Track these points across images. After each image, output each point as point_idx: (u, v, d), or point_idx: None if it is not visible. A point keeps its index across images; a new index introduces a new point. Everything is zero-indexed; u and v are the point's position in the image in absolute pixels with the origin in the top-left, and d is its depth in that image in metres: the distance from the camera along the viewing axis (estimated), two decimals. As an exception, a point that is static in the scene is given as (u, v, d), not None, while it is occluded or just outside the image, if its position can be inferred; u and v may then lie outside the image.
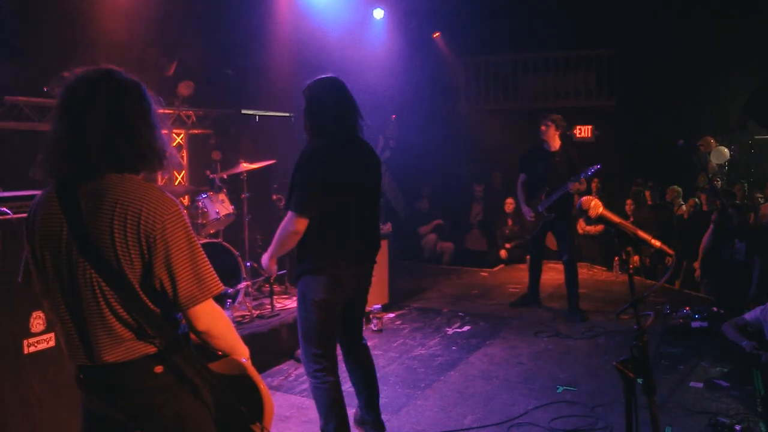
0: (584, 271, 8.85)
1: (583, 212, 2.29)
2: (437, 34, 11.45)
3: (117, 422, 2.06)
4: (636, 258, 8.38)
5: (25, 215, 3.55)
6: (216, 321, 2.07)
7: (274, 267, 3.77)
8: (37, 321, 3.73)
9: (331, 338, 3.67)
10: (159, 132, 2.05)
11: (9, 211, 3.60)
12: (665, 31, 9.54)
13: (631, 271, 2.20)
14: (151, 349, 1.98)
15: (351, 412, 3.98)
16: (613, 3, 9.77)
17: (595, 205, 2.28)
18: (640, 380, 2.19)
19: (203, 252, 2.03)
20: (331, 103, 3.57)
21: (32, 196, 3.73)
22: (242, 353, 2.20)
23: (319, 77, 3.65)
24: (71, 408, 3.71)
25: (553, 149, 6.93)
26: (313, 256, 3.53)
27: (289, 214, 3.44)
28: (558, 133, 6.91)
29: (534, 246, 7.32)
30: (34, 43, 5.49)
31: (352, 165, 3.60)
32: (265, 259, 3.73)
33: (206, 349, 2.11)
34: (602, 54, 11.07)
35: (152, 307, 1.97)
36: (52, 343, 3.78)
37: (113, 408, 2.02)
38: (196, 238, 2.03)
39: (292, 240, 3.49)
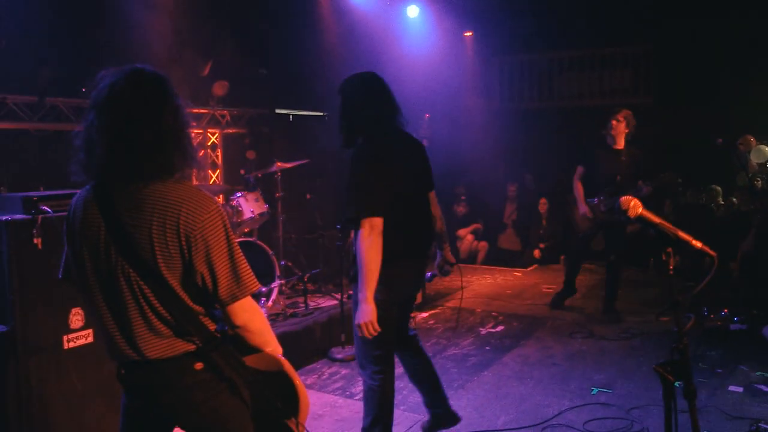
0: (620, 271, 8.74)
1: (622, 212, 2.25)
2: (469, 34, 11.38)
3: (156, 417, 2.09)
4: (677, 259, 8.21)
5: (65, 214, 3.64)
6: (253, 316, 2.10)
7: (372, 307, 3.24)
8: (76, 317, 3.80)
9: (389, 339, 3.50)
10: (187, 132, 2.06)
11: (50, 210, 3.67)
12: (704, 26, 9.36)
13: (671, 273, 2.15)
14: (191, 347, 2.01)
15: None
16: (649, -2, 9.63)
17: (634, 205, 2.24)
18: (678, 383, 2.15)
19: (241, 250, 2.05)
20: (371, 99, 3.41)
21: (72, 195, 3.82)
22: (276, 349, 2.21)
23: (355, 73, 3.53)
24: (110, 403, 3.80)
25: (618, 147, 6.64)
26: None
27: (362, 223, 3.20)
28: (627, 131, 6.64)
29: (581, 244, 7.06)
30: (72, 45, 5.57)
31: (404, 162, 3.47)
32: (364, 309, 3.23)
33: (241, 344, 2.12)
34: (639, 50, 10.89)
35: (192, 305, 1.99)
36: (90, 339, 3.85)
37: (154, 403, 2.05)
38: (233, 236, 2.04)
39: (379, 244, 3.19)
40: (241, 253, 2.05)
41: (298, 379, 2.23)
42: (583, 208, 6.76)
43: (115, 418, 3.81)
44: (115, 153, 1.92)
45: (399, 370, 5.47)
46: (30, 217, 3.61)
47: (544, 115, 11.65)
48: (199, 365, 2.01)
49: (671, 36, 9.86)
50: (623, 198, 2.28)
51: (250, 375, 2.08)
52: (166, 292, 1.95)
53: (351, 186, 3.29)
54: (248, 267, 2.06)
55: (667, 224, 2.23)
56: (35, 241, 3.60)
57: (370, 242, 3.17)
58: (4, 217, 3.56)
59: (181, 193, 1.97)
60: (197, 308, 2.01)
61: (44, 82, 5.60)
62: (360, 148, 3.37)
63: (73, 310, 3.79)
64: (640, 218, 2.24)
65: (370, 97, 3.42)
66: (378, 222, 3.19)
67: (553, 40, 11.06)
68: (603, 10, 10.00)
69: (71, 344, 3.77)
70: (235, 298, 2.02)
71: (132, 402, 2.12)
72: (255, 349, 2.15)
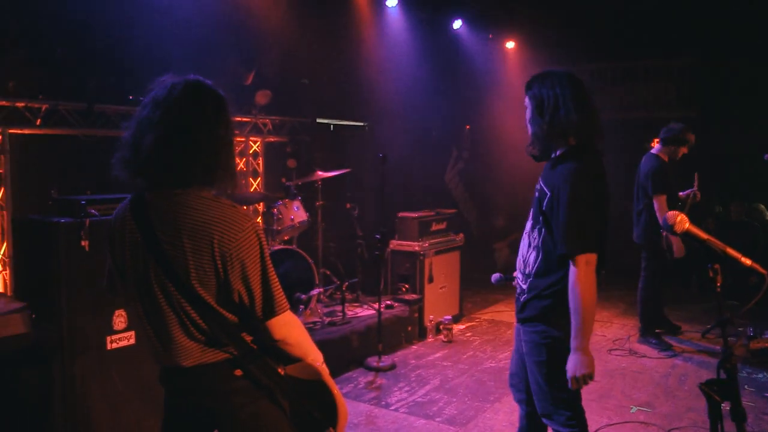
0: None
1: (669, 228, 2.21)
2: (512, 45, 11.36)
3: (197, 420, 2.12)
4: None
5: (111, 218, 3.72)
6: (291, 330, 2.11)
7: (591, 357, 2.83)
8: (120, 319, 3.87)
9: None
10: (233, 149, 2.08)
11: (97, 213, 3.76)
12: (752, 38, 9.19)
13: (718, 290, 2.11)
14: (229, 355, 2.03)
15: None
16: (694, 9, 9.47)
17: (681, 221, 2.20)
18: (724, 404, 2.10)
19: (273, 268, 2.06)
20: (581, 102, 2.80)
21: (120, 199, 3.91)
22: (316, 358, 2.23)
23: (550, 70, 2.93)
24: (148, 403, 3.86)
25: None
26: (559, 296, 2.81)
27: (578, 260, 2.65)
28: None
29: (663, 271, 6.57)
30: (119, 54, 5.70)
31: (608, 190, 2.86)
32: (580, 359, 2.80)
33: (282, 353, 2.14)
34: (684, 63, 10.74)
35: (229, 317, 2.01)
36: (132, 341, 3.92)
37: (195, 407, 2.08)
38: (268, 253, 2.04)
39: (595, 286, 2.70)
40: (274, 271, 2.05)
41: (336, 388, 2.23)
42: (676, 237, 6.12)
43: (154, 419, 3.89)
44: (161, 150, 1.94)
45: (427, 386, 5.47)
46: (79, 220, 3.70)
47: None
48: (238, 372, 2.04)
49: (717, 48, 9.70)
50: (669, 213, 2.24)
51: (287, 385, 2.10)
52: (201, 306, 1.97)
53: (571, 214, 2.67)
54: (279, 286, 2.06)
55: (715, 240, 2.19)
56: (83, 243, 3.69)
57: (587, 282, 2.67)
58: (54, 220, 3.66)
59: (215, 212, 1.97)
60: (234, 320, 2.03)
61: (93, 91, 5.75)
62: (579, 170, 2.72)
63: (117, 312, 3.86)
64: (687, 233, 2.20)
65: (580, 99, 2.80)
66: (593, 258, 2.68)
67: (596, 52, 10.98)
68: (647, 22, 9.89)
69: (114, 345, 3.85)
70: (271, 316, 2.04)
71: (173, 404, 2.16)
72: (296, 359, 2.17)
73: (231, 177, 2.06)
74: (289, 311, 2.09)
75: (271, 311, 2.02)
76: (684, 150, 6.36)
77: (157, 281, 1.97)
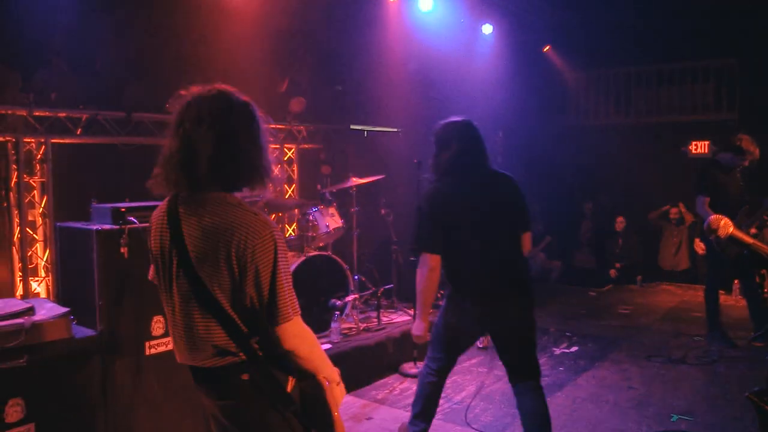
0: (700, 294, 8.44)
1: (712, 232, 2.17)
2: (547, 48, 11.27)
3: (218, 417, 2.18)
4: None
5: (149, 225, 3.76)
6: (301, 342, 2.12)
7: (425, 325, 3.80)
8: (158, 325, 3.92)
9: (440, 350, 3.92)
10: (265, 152, 2.14)
11: (135, 220, 3.81)
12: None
13: (765, 295, 2.06)
14: (236, 359, 2.07)
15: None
16: (733, 10, 9.29)
17: (725, 225, 2.15)
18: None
19: (289, 277, 2.09)
20: (456, 145, 3.66)
21: (156, 207, 3.95)
22: (328, 375, 2.22)
23: (447, 121, 3.79)
24: (186, 408, 3.90)
25: None
26: (447, 283, 3.78)
27: (420, 256, 3.64)
28: None
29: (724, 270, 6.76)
30: (157, 63, 5.80)
31: (474, 200, 3.62)
32: (416, 324, 3.81)
33: (294, 364, 2.15)
34: (722, 64, 10.54)
35: (242, 326, 2.05)
36: (170, 347, 3.95)
37: (215, 404, 2.15)
38: (284, 261, 2.08)
39: (430, 278, 3.60)
40: (289, 280, 2.09)
41: (336, 410, 2.23)
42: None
43: (191, 421, 3.93)
44: (191, 167, 2.03)
45: (463, 392, 5.43)
46: (118, 227, 3.75)
47: (622, 130, 11.39)
48: (245, 376, 2.08)
49: (758, 50, 9.51)
50: (713, 217, 2.19)
51: (288, 397, 2.12)
52: (219, 312, 2.03)
53: (415, 222, 3.74)
54: (291, 295, 2.09)
55: (760, 244, 2.14)
56: (122, 250, 3.74)
57: (421, 273, 3.63)
58: (94, 227, 3.72)
59: (237, 218, 2.02)
60: (244, 329, 2.06)
61: (131, 100, 5.85)
62: (425, 192, 3.75)
63: (155, 318, 3.91)
64: (731, 238, 2.16)
65: (456, 144, 3.67)
66: (429, 258, 3.58)
67: (632, 55, 10.84)
68: (684, 24, 9.74)
69: (152, 350, 3.89)
70: (277, 322, 2.06)
71: (204, 402, 2.24)
72: (308, 374, 2.18)
73: (264, 177, 2.12)
74: (301, 324, 2.11)
75: (276, 318, 2.05)
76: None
77: (177, 280, 2.07)
